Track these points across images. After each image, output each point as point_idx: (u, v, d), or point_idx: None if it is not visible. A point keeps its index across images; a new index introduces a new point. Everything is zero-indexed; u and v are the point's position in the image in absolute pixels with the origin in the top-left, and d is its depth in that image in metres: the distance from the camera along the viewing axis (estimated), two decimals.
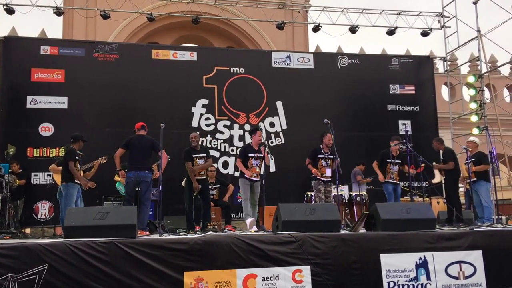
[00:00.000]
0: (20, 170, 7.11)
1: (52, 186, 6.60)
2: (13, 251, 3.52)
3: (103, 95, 7.94)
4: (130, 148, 5.25)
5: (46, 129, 7.62)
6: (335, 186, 5.69)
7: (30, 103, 7.62)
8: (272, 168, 8.06)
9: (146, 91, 8.10)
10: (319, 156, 5.89)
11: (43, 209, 7.33)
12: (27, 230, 7.47)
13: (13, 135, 7.37)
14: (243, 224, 8.12)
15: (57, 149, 7.48)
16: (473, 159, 6.33)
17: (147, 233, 5.00)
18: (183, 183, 6.12)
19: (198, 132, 6.35)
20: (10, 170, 6.77)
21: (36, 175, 7.40)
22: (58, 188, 6.20)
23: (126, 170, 5.43)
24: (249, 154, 5.68)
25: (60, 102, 7.72)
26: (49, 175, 7.07)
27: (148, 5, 10.60)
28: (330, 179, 5.88)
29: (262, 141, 5.73)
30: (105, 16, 8.82)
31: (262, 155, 5.71)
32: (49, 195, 7.00)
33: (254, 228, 5.39)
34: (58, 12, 8.63)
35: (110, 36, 11.59)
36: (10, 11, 8.32)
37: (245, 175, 5.63)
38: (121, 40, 11.51)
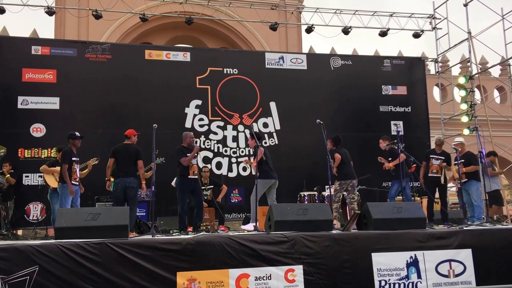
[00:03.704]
0: (12, 170, 7.03)
1: (44, 187, 6.54)
2: (3, 253, 3.49)
3: (95, 96, 7.89)
4: (117, 156, 5.54)
5: (38, 130, 7.56)
6: (328, 186, 5.73)
7: (21, 104, 7.54)
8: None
9: (139, 92, 8.07)
10: None
11: (35, 210, 7.27)
12: (19, 232, 7.41)
13: (4, 136, 7.28)
14: (237, 225, 8.15)
15: (49, 150, 7.42)
16: (463, 160, 6.40)
17: (134, 234, 5.02)
18: (173, 183, 6.09)
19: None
20: (0, 171, 6.71)
21: (28, 176, 7.33)
22: (49, 189, 6.17)
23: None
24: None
25: (51, 103, 7.65)
26: (41, 176, 7.00)
27: (141, 5, 10.56)
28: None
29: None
30: (98, 16, 8.77)
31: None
32: (41, 196, 6.94)
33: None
34: (50, 11, 8.56)
35: (103, 36, 11.51)
36: (0, 10, 8.24)
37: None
38: (113, 40, 11.44)
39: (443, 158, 6.41)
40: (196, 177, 5.76)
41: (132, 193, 5.44)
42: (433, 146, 7.06)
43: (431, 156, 6.46)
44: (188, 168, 5.63)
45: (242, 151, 8.31)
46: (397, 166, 6.30)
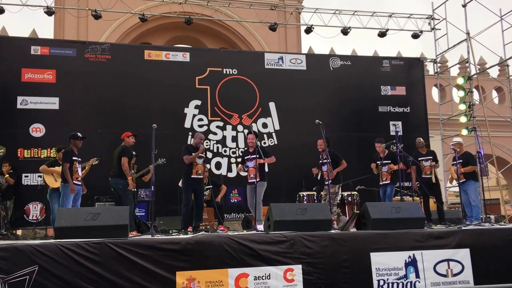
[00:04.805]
0: (11, 171, 7.04)
1: (43, 187, 6.54)
2: (3, 252, 3.50)
3: (95, 96, 7.90)
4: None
5: (37, 130, 7.56)
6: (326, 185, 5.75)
7: (20, 104, 7.54)
8: (265, 168, 8.11)
9: (138, 92, 8.08)
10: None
11: (35, 210, 7.27)
12: (19, 232, 7.41)
13: (3, 136, 7.28)
14: (236, 225, 8.17)
15: (49, 150, 7.41)
16: (461, 160, 6.42)
17: (134, 233, 5.04)
18: (180, 184, 6.13)
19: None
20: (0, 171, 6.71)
21: (27, 176, 7.33)
22: (48, 189, 6.18)
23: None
24: None
25: (51, 103, 7.65)
26: (40, 176, 7.01)
27: (140, 5, 10.56)
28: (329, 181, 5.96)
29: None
30: (97, 16, 8.78)
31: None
32: (40, 196, 6.95)
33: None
34: (49, 11, 8.56)
35: (102, 36, 11.51)
36: (0, 10, 8.24)
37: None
38: (113, 40, 11.43)
39: (431, 157, 6.45)
40: (200, 177, 5.80)
41: (120, 192, 5.58)
42: (433, 147, 7.07)
43: (420, 158, 6.48)
44: (192, 167, 5.67)
45: (242, 151, 8.32)
46: (396, 171, 6.33)
